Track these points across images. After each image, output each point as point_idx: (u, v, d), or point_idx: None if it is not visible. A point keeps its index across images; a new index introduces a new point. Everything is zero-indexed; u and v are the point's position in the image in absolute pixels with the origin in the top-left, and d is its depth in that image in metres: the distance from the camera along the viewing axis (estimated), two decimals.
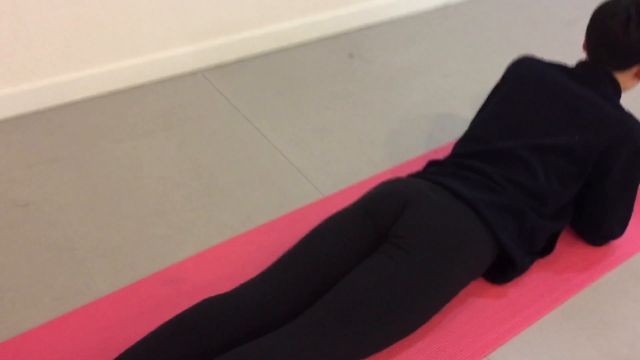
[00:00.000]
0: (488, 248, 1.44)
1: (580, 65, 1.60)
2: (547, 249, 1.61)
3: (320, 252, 1.40)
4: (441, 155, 1.91)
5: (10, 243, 1.57)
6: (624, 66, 1.54)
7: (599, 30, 1.52)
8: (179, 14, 2.08)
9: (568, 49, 2.52)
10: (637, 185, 1.58)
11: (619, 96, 1.58)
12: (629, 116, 1.51)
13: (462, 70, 2.40)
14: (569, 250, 1.68)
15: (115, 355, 1.27)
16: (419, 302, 1.33)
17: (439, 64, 2.42)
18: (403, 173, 1.83)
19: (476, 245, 1.41)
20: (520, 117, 1.58)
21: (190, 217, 1.69)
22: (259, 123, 2.04)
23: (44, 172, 1.79)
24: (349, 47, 2.47)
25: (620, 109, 1.53)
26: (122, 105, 2.06)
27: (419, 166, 1.87)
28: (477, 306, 1.50)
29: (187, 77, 2.22)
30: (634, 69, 1.55)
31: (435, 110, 2.16)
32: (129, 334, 1.36)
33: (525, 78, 1.63)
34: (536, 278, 1.59)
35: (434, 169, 1.60)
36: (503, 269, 1.54)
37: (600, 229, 1.63)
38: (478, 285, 1.56)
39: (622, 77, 1.57)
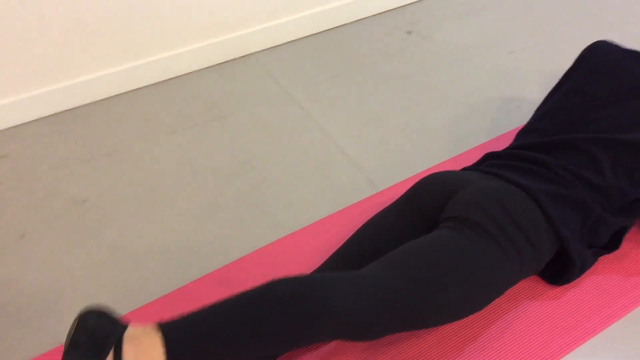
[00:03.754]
0: (546, 238, 1.34)
1: None
2: (612, 244, 1.51)
3: (370, 248, 1.37)
4: (503, 145, 1.81)
5: (68, 241, 1.61)
6: None
7: None
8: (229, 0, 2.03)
9: None
10: None
11: None
12: None
13: (530, 46, 2.25)
14: (639, 251, 1.57)
15: None
16: (477, 273, 1.23)
17: (504, 40, 2.28)
18: (461, 164, 1.75)
19: (534, 234, 1.32)
20: (591, 110, 1.47)
21: (244, 214, 1.68)
22: (312, 109, 1.99)
23: (100, 166, 1.81)
24: (406, 23, 2.36)
25: None
26: (177, 93, 2.05)
27: (478, 156, 1.78)
28: (536, 312, 1.43)
29: (241, 61, 2.18)
30: None
31: (500, 93, 2.05)
32: None
33: (600, 66, 1.51)
34: (601, 281, 1.50)
35: (489, 162, 1.51)
36: (562, 268, 1.46)
37: None
38: (532, 286, 1.48)
39: None
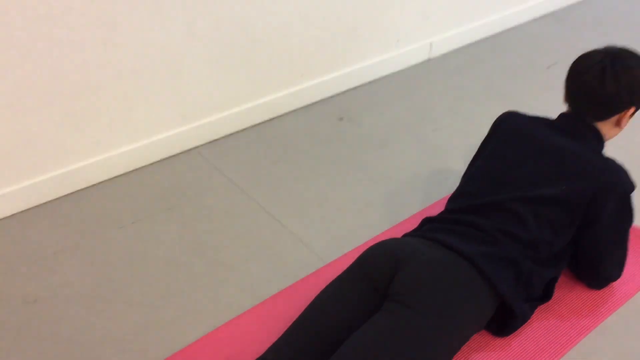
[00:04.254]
0: (488, 298, 1.47)
1: (562, 117, 1.65)
2: (545, 295, 1.64)
3: (324, 320, 1.45)
4: (437, 211, 1.95)
5: (21, 341, 1.60)
6: (604, 116, 1.59)
7: (577, 84, 1.58)
8: (170, 98, 2.16)
9: (548, 92, 2.59)
10: (628, 227, 1.61)
11: (602, 145, 1.63)
12: (612, 163, 1.56)
13: (450, 123, 2.47)
14: (570, 295, 1.70)
15: None
16: (425, 355, 1.35)
17: (427, 119, 2.49)
18: (401, 232, 1.87)
19: (476, 296, 1.45)
20: (508, 172, 1.63)
21: (197, 297, 1.72)
22: (256, 195, 2.09)
23: (49, 265, 1.83)
24: (337, 110, 2.54)
25: (603, 157, 1.58)
26: (123, 190, 2.11)
27: (416, 223, 1.91)
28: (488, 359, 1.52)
29: (183, 155, 2.28)
30: (614, 118, 1.60)
31: (428, 166, 2.22)
32: None
33: (511, 133, 1.69)
34: (539, 327, 1.61)
35: (428, 226, 1.64)
36: (505, 321, 1.57)
37: (597, 272, 1.67)
38: (482, 340, 1.57)
39: (604, 127, 1.62)
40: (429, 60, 2.91)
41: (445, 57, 2.95)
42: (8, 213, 1.99)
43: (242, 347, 1.56)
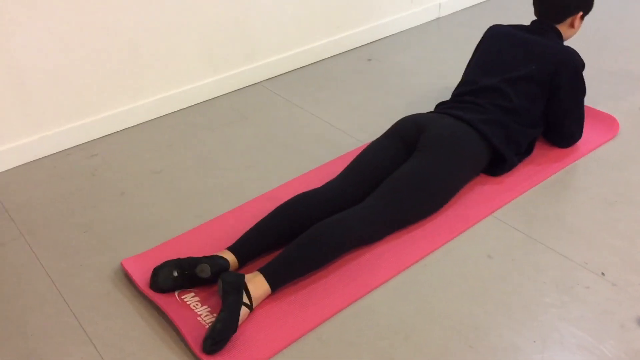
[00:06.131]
0: (484, 149, 2.12)
1: (532, 23, 2.32)
2: (528, 150, 2.29)
3: (372, 163, 2.10)
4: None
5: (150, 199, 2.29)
6: (560, 19, 2.26)
7: None
8: (242, 40, 2.86)
9: None
10: (582, 95, 2.26)
11: (562, 40, 2.29)
12: (567, 47, 2.22)
13: (455, 62, 3.14)
14: (544, 152, 2.35)
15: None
16: (442, 183, 2.01)
17: (437, 60, 3.16)
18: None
19: (475, 147, 2.10)
20: (495, 62, 2.30)
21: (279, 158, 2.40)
22: (308, 106, 2.77)
23: (167, 152, 2.52)
24: (365, 54, 3.23)
25: (561, 44, 2.24)
26: (212, 109, 2.81)
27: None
28: (483, 188, 2.17)
29: (251, 87, 2.97)
30: (568, 21, 2.27)
31: (438, 86, 2.89)
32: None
33: (496, 37, 2.36)
34: (523, 169, 2.26)
35: (441, 107, 2.31)
36: (498, 166, 2.22)
37: (562, 132, 2.31)
38: (481, 178, 2.23)
39: (562, 28, 2.29)
40: (438, 19, 3.59)
41: (453, 15, 3.63)
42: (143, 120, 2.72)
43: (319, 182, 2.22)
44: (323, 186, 2.04)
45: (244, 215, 2.10)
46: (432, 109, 2.69)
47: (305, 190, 2.03)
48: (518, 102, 2.20)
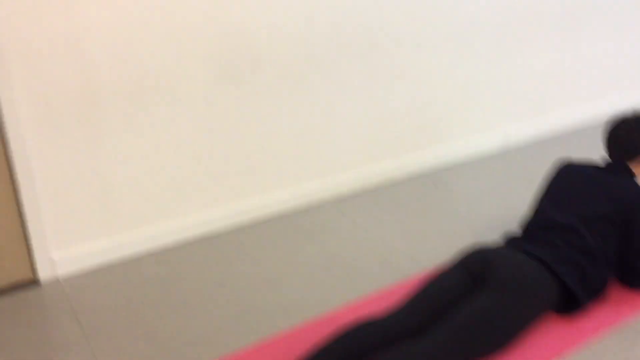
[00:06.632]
0: (555, 289, 2.08)
1: (606, 163, 2.36)
2: (600, 292, 2.22)
3: (437, 296, 2.07)
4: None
5: None
6: (632, 157, 2.30)
7: (612, 136, 2.34)
8: (309, 155, 2.98)
9: None
10: None
11: (635, 177, 2.30)
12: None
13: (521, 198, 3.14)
14: (616, 292, 2.27)
15: None
16: (510, 325, 1.96)
17: (501, 195, 3.18)
18: None
19: (547, 289, 2.06)
20: (569, 199, 2.29)
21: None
22: (373, 229, 2.80)
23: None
24: (432, 179, 3.30)
25: (635, 185, 2.23)
26: (279, 224, 2.88)
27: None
28: (549, 327, 2.10)
29: (317, 205, 3.05)
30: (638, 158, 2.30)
31: (502, 218, 2.89)
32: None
33: (569, 173, 2.38)
34: (592, 309, 2.18)
35: (511, 240, 2.30)
36: (570, 307, 2.15)
37: (635, 272, 2.23)
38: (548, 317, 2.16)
39: (634, 166, 2.31)
40: (505, 148, 3.65)
41: (519, 146, 3.68)
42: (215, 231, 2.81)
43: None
44: (386, 315, 2.02)
45: (305, 334, 2.10)
46: (497, 238, 2.67)
47: (365, 314, 2.02)
48: (594, 243, 2.17)
